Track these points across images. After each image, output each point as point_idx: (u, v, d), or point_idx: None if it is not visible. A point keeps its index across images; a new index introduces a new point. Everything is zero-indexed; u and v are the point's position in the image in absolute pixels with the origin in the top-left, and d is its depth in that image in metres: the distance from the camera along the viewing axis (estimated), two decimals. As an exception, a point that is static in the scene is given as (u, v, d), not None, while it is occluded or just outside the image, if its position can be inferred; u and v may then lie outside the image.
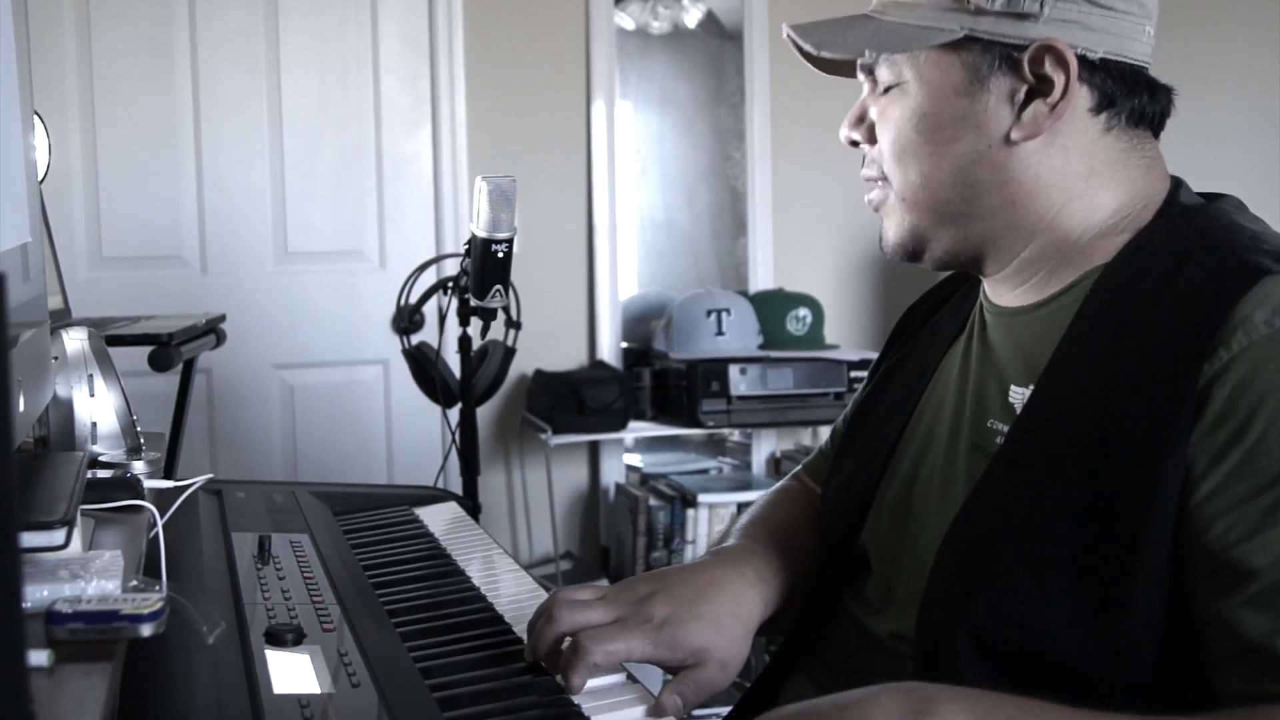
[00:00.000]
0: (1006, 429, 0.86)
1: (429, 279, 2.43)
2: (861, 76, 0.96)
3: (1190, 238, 0.82)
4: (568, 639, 0.88)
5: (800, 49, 0.95)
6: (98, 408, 1.06)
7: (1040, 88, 0.86)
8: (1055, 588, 0.76)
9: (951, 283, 1.09)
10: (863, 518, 1.00)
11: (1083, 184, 0.88)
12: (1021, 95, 0.86)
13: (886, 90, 0.92)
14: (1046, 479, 0.79)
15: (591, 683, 0.86)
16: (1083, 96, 0.86)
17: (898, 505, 0.97)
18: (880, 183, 0.95)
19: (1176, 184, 0.90)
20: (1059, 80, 0.85)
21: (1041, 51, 0.85)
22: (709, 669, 0.88)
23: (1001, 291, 0.94)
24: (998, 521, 0.82)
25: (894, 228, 0.95)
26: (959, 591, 0.82)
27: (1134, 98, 0.88)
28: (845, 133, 0.98)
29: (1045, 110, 0.85)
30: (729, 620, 0.91)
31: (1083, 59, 0.85)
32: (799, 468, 1.21)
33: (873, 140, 0.95)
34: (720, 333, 2.97)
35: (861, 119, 0.96)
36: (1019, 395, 0.87)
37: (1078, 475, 0.77)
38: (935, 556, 0.86)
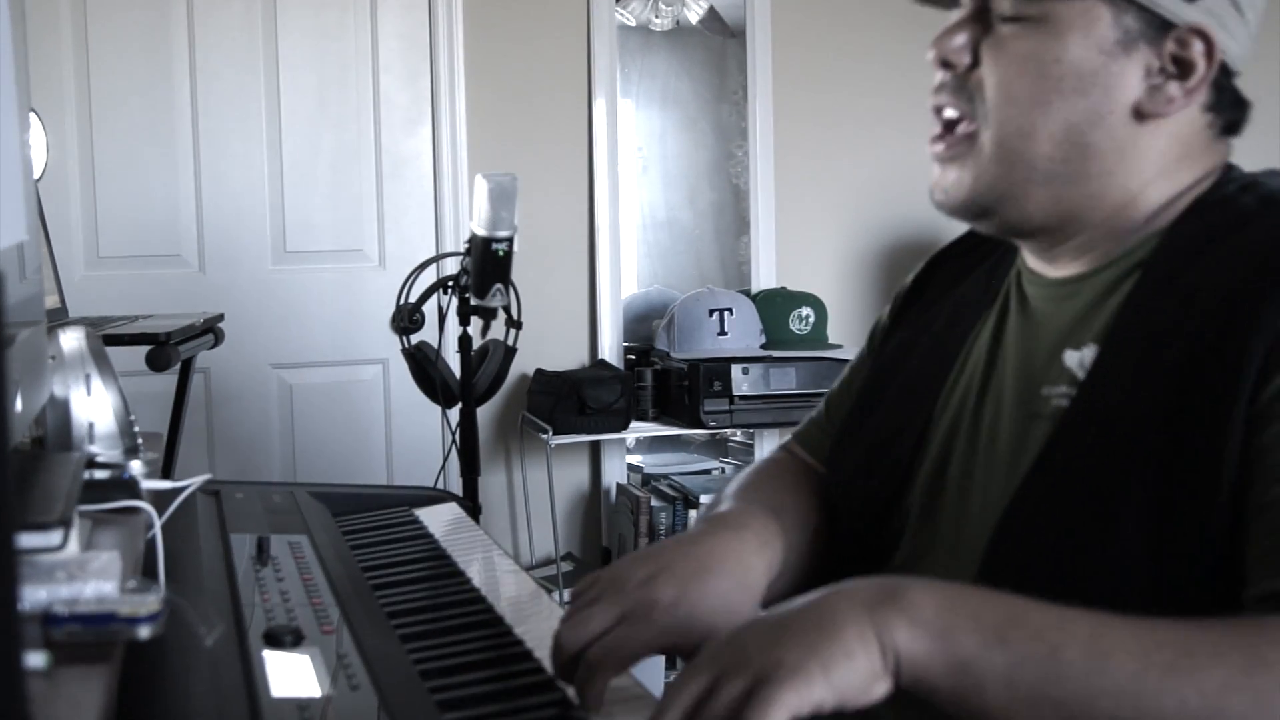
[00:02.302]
0: (1071, 391, 0.85)
1: (429, 278, 2.42)
2: None
3: (1250, 201, 0.85)
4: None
5: None
6: (95, 407, 1.05)
7: (1177, 70, 0.85)
8: (1130, 537, 0.76)
9: (980, 249, 1.06)
10: (896, 497, 0.98)
11: (1172, 167, 0.88)
12: (1157, 72, 0.85)
13: (1012, 20, 0.86)
14: (1122, 431, 0.79)
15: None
16: (1203, 91, 0.86)
17: (932, 483, 0.96)
18: (966, 122, 0.89)
19: (1228, 164, 0.91)
20: (1201, 67, 0.84)
21: (1191, 35, 0.84)
22: None
23: (1056, 262, 0.93)
24: (1069, 482, 0.81)
25: (974, 176, 0.89)
26: (1027, 557, 0.82)
27: (1234, 107, 0.89)
28: (942, 51, 0.89)
29: (1180, 93, 0.85)
30: (737, 595, 0.88)
31: None
32: (789, 439, 1.17)
33: (974, 66, 0.88)
34: (722, 332, 2.96)
35: (966, 43, 0.88)
36: (1076, 358, 0.87)
37: (1156, 422, 0.78)
38: (996, 526, 0.84)
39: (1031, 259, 0.96)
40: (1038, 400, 0.88)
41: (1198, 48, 0.84)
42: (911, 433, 0.99)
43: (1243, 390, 0.74)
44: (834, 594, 0.71)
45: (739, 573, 0.88)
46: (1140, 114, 0.85)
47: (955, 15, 0.91)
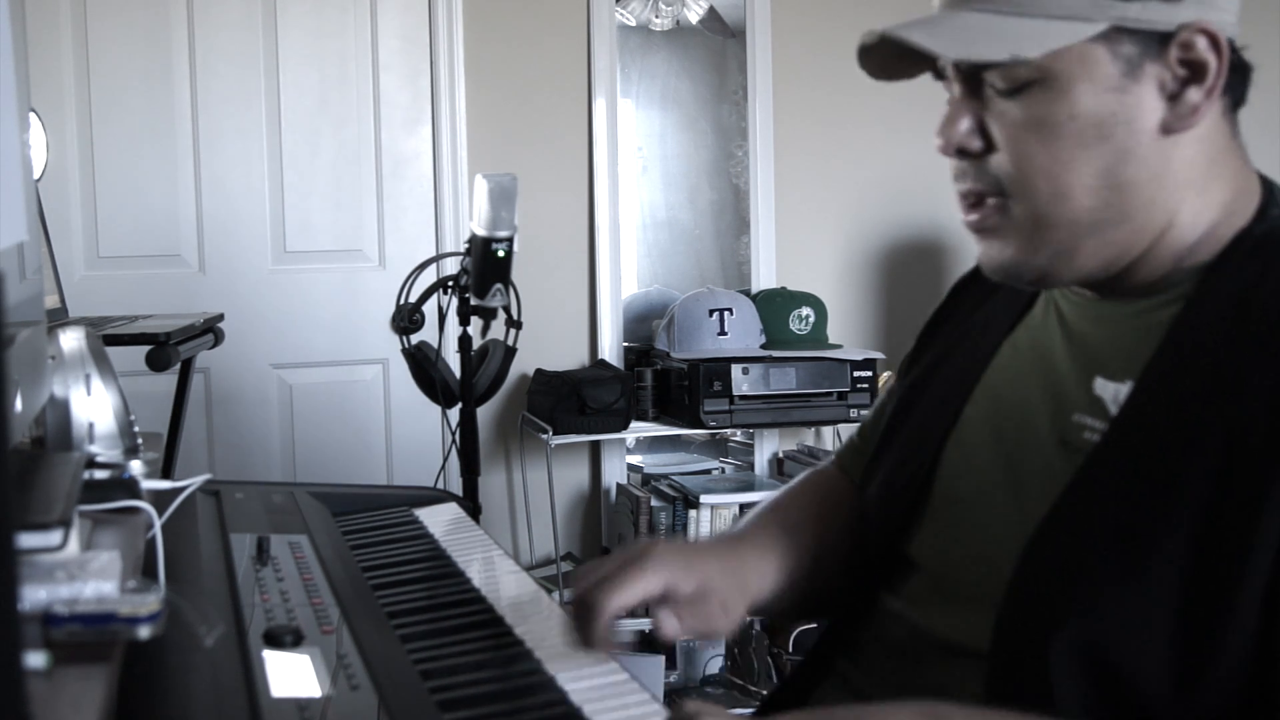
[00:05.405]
0: (1101, 425, 0.83)
1: (429, 278, 2.42)
2: (953, 75, 0.86)
3: None
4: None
5: (903, 50, 0.83)
6: (95, 408, 1.05)
7: (1189, 74, 0.81)
8: (1159, 592, 0.74)
9: None
10: (910, 514, 0.97)
11: (1204, 176, 0.84)
12: (1172, 83, 0.81)
13: (1014, 92, 0.82)
14: (1154, 479, 0.77)
15: (593, 682, 0.85)
16: (1222, 84, 0.82)
17: (951, 500, 0.94)
18: (994, 200, 0.85)
19: (1269, 186, 0.88)
20: (1213, 63, 0.80)
21: (1192, 35, 0.80)
22: (710, 605, 0.91)
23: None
24: (1096, 524, 0.78)
25: (1016, 247, 0.85)
26: (1050, 597, 0.79)
27: (1239, 80, 0.85)
28: (954, 141, 0.85)
29: (1201, 96, 0.81)
30: (728, 565, 0.95)
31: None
32: (836, 454, 1.18)
33: (989, 150, 0.85)
34: (722, 332, 2.96)
35: (972, 126, 0.85)
36: (1109, 390, 0.84)
37: (1191, 477, 0.75)
38: (1020, 559, 0.82)
39: None
40: (1069, 427, 0.86)
41: (1201, 44, 0.80)
42: (926, 451, 0.97)
43: None
44: (885, 717, 0.72)
45: (737, 566, 0.97)
46: (1168, 130, 0.82)
47: (950, 98, 0.87)
